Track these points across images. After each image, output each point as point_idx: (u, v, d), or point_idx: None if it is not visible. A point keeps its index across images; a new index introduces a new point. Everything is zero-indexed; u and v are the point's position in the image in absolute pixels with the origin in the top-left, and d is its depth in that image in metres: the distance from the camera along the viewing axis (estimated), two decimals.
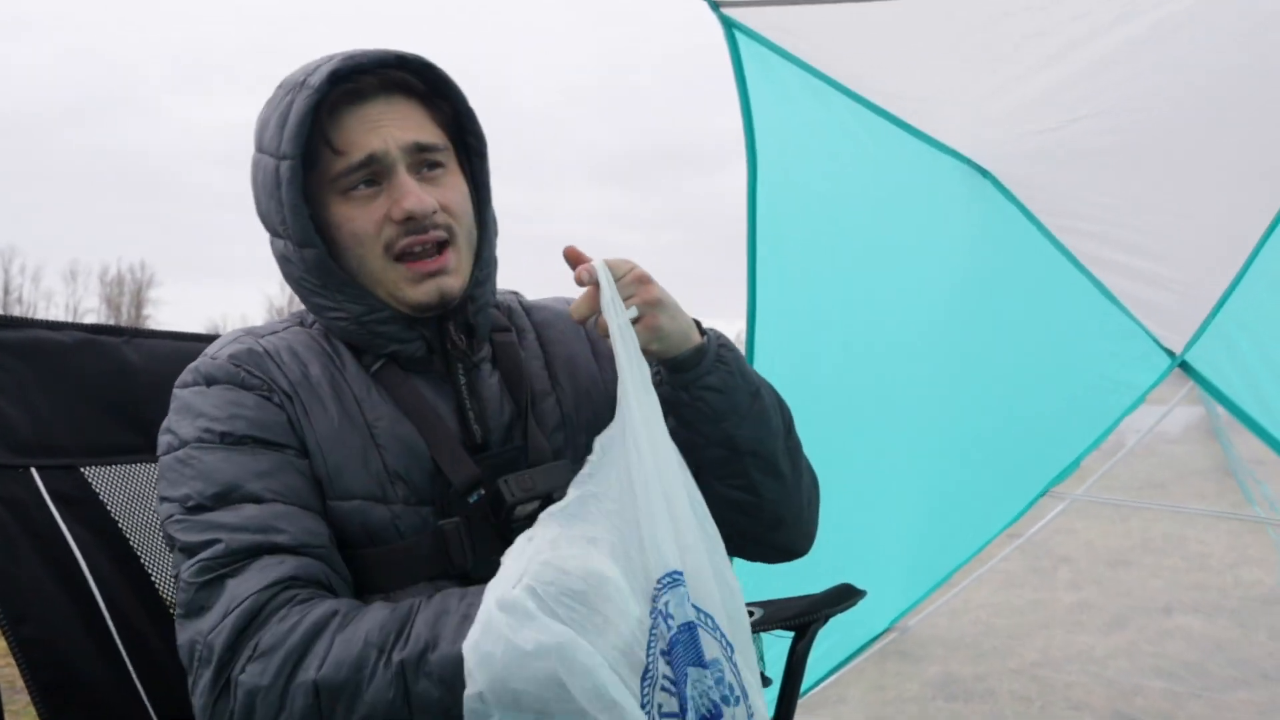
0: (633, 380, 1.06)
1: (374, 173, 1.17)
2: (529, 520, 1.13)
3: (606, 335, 1.11)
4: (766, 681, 1.43)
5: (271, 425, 1.13)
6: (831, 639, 3.34)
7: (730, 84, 2.61)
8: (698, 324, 1.25)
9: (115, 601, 1.21)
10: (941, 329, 3.14)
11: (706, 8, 2.47)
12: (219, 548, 1.04)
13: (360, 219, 1.17)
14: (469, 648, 0.90)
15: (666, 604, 0.97)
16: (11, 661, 1.13)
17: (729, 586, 1.05)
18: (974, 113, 2.84)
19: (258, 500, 1.07)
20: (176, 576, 1.07)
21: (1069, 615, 4.60)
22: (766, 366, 2.56)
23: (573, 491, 0.98)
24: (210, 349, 1.21)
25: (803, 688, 1.54)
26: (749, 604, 1.53)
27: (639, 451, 1.01)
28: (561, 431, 1.27)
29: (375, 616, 1.01)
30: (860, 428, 2.92)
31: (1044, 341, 3.29)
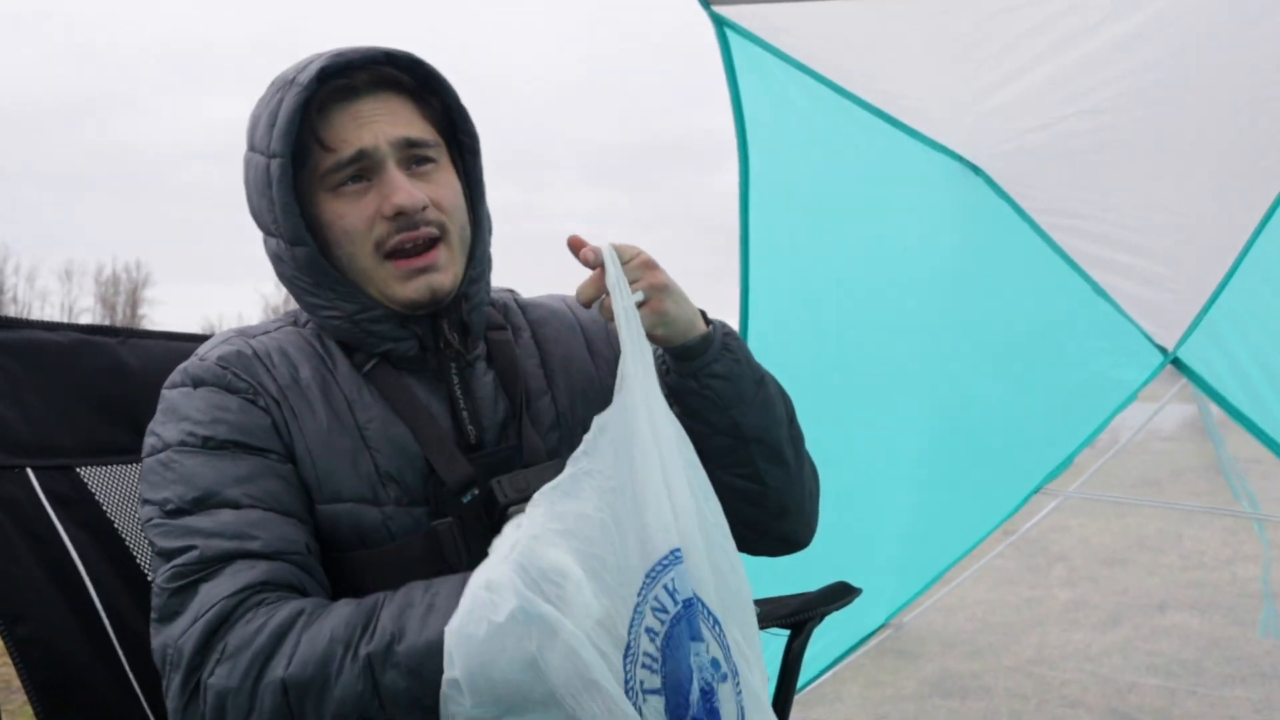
0: (635, 361, 1.06)
1: (364, 168, 1.17)
2: None
3: (612, 318, 1.10)
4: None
5: (255, 430, 1.12)
6: (827, 636, 3.34)
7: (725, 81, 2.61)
8: (703, 314, 1.25)
9: (111, 601, 1.21)
10: (934, 326, 3.15)
11: (699, 5, 2.47)
12: (193, 554, 1.04)
13: (351, 215, 1.17)
14: (451, 631, 0.90)
15: (669, 582, 0.97)
16: (8, 661, 1.13)
17: (728, 563, 1.06)
18: (966, 110, 2.84)
19: (235, 506, 1.07)
20: (154, 581, 1.07)
21: (1064, 612, 4.61)
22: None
23: (568, 469, 0.98)
24: (201, 349, 1.21)
25: (799, 685, 1.54)
26: None
27: (638, 431, 1.01)
28: (556, 431, 1.26)
29: (341, 613, 1.01)
30: (853, 425, 2.92)
31: (1036, 338, 3.30)
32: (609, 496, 0.97)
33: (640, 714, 0.93)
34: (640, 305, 1.13)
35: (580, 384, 1.31)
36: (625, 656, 0.93)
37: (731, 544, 1.08)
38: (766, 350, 2.69)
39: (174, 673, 1.01)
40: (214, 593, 1.02)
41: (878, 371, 3.05)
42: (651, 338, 1.15)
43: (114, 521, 1.27)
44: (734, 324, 2.68)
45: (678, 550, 0.99)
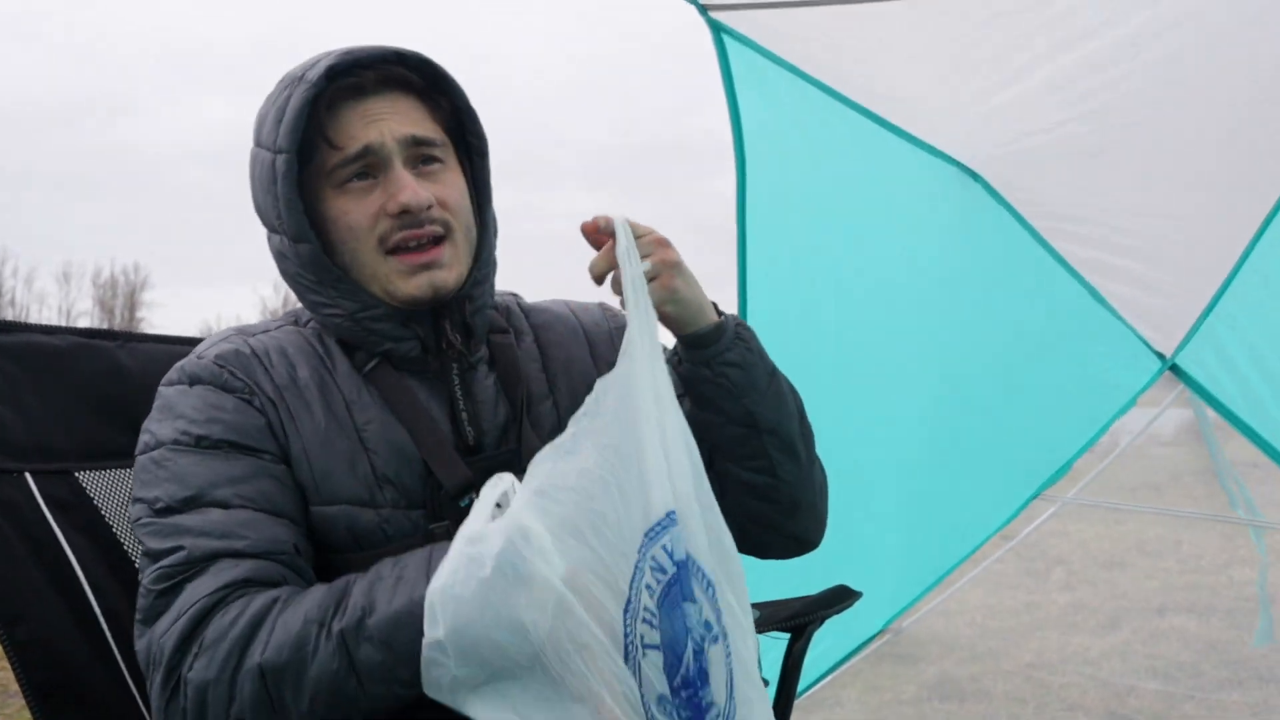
0: (640, 328, 1.06)
1: (369, 165, 1.17)
2: None
3: (620, 291, 1.10)
4: (763, 683, 1.44)
5: (249, 430, 1.12)
6: (826, 642, 3.34)
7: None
8: (715, 307, 1.25)
9: (109, 605, 1.21)
10: (932, 332, 3.15)
11: (696, 11, 2.47)
12: (180, 554, 1.04)
13: (355, 212, 1.17)
14: (435, 589, 0.90)
15: (667, 542, 0.98)
16: (6, 665, 1.12)
17: (720, 527, 1.07)
18: (963, 115, 2.85)
19: (225, 506, 1.07)
20: (140, 582, 1.06)
21: (1063, 616, 4.61)
22: None
23: (569, 428, 0.98)
24: (199, 347, 1.21)
25: (798, 690, 1.54)
26: None
27: (639, 394, 1.01)
28: (558, 435, 1.26)
29: (314, 595, 1.01)
30: (852, 430, 2.91)
31: (1034, 344, 3.30)
32: (608, 454, 0.97)
33: (639, 669, 0.94)
34: (650, 280, 1.13)
35: (582, 389, 1.30)
36: (626, 612, 0.94)
37: (717, 509, 1.09)
38: None
39: (155, 671, 1.01)
40: (197, 591, 1.02)
41: (875, 376, 3.05)
42: (662, 317, 1.16)
43: (112, 526, 1.27)
44: None
45: (673, 512, 1.00)
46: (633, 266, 1.10)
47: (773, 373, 1.27)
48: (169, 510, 1.06)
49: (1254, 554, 4.75)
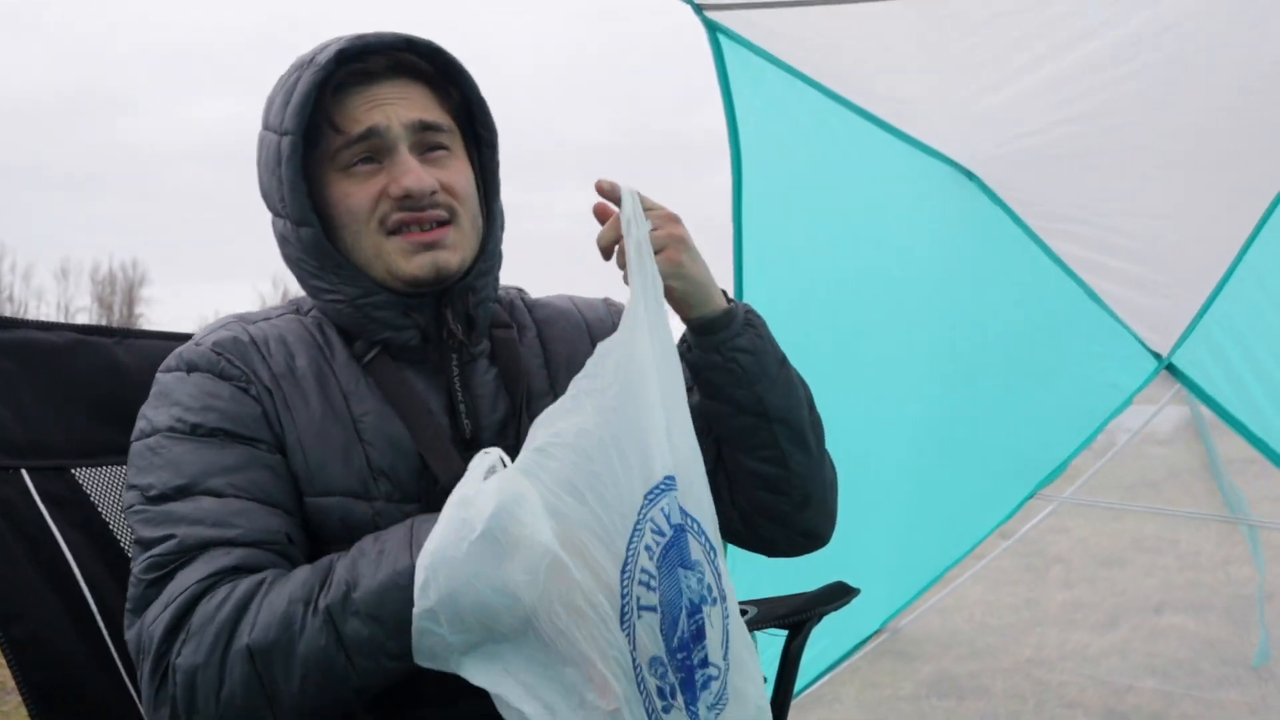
0: (642, 291, 1.05)
1: (374, 148, 1.16)
2: None
3: (625, 265, 1.09)
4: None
5: (245, 419, 1.11)
6: (823, 641, 3.34)
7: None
8: (725, 294, 1.24)
9: (106, 603, 1.20)
10: (928, 331, 3.15)
11: (692, 11, 2.47)
12: (172, 543, 1.03)
13: (357, 195, 1.16)
14: (426, 553, 0.90)
15: (665, 505, 0.98)
16: (3, 662, 1.12)
17: (711, 497, 1.07)
18: (959, 115, 2.84)
19: (218, 495, 1.06)
20: (131, 570, 1.06)
21: (1062, 614, 4.62)
22: None
23: (570, 390, 0.98)
24: (198, 334, 1.20)
25: (795, 689, 1.54)
26: (744, 602, 1.53)
27: (641, 358, 1.01)
28: None
29: (299, 576, 1.01)
30: (849, 429, 2.92)
31: (1030, 344, 3.30)
32: (609, 415, 0.96)
33: (634, 630, 0.93)
34: (656, 252, 1.12)
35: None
36: (623, 573, 0.93)
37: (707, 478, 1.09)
38: None
39: (144, 659, 1.01)
40: (187, 579, 1.01)
41: (871, 376, 3.05)
42: (668, 295, 1.15)
43: (109, 523, 1.27)
44: None
45: (671, 477, 1.00)
46: (637, 230, 1.09)
47: (783, 361, 1.26)
48: (162, 498, 1.06)
49: (1251, 554, 4.76)
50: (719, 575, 1.04)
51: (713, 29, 2.52)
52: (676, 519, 0.99)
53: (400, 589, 0.94)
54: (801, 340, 2.86)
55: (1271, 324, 3.02)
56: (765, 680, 1.45)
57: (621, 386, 0.98)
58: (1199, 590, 4.94)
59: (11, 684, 1.13)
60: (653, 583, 0.96)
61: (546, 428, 0.95)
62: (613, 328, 1.36)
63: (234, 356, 1.15)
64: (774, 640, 1.52)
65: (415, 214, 1.15)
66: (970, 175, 3.09)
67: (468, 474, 0.95)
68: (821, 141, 2.83)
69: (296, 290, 1.29)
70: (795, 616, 1.50)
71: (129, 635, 1.04)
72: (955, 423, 3.26)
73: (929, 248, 3.13)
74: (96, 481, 1.27)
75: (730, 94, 2.59)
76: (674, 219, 1.17)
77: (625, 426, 0.97)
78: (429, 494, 1.14)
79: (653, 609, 0.95)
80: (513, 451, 1.19)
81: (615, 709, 0.91)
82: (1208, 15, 2.29)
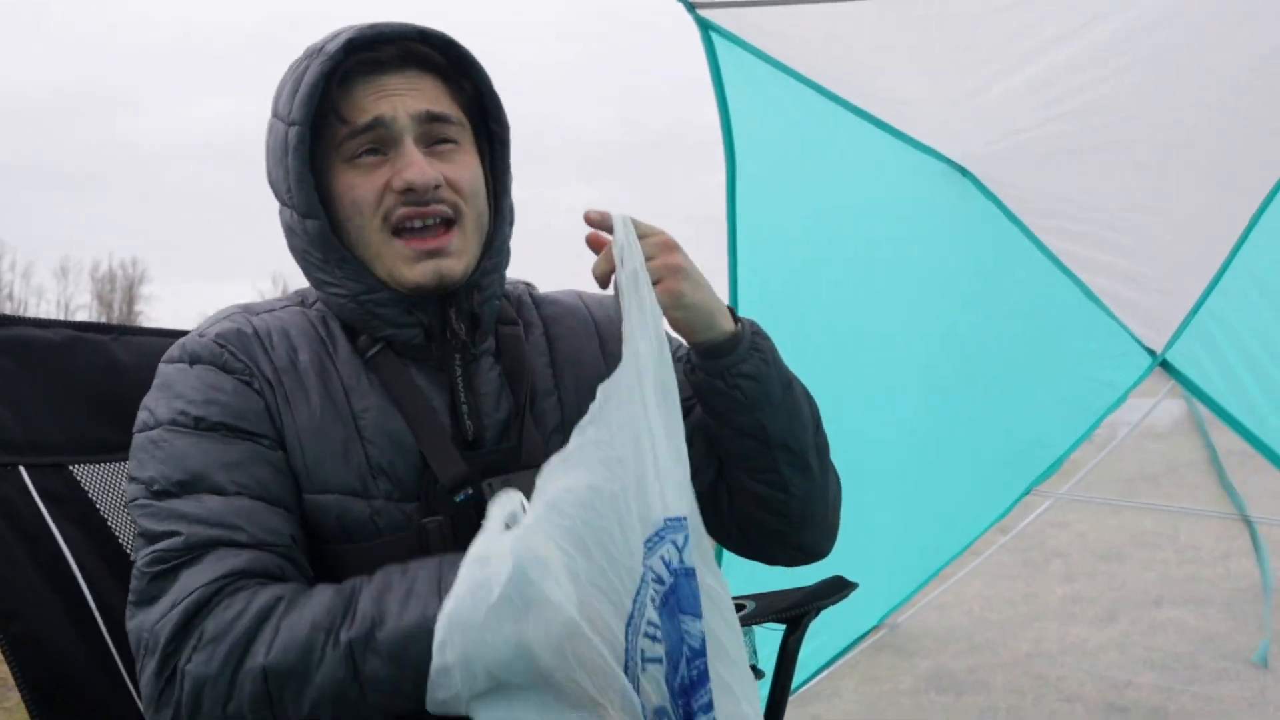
0: (640, 326, 1.02)
1: (380, 139, 1.13)
2: None
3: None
4: (759, 674, 1.44)
5: (247, 413, 1.10)
6: (821, 636, 3.35)
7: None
8: (732, 312, 1.20)
9: (105, 599, 1.20)
10: (923, 327, 3.15)
11: (684, 9, 2.47)
12: (177, 540, 1.03)
13: (361, 187, 1.13)
14: (444, 614, 0.89)
15: (664, 553, 0.97)
16: (3, 659, 1.12)
17: (704, 533, 1.06)
18: (953, 112, 2.85)
19: (221, 492, 1.05)
20: (134, 562, 1.06)
21: (1061, 608, 4.62)
22: None
23: (574, 439, 0.96)
24: (202, 324, 1.19)
25: (794, 685, 1.54)
26: (741, 597, 1.53)
27: (643, 399, 0.99)
28: (561, 434, 1.21)
29: (320, 599, 1.00)
30: (844, 425, 2.92)
31: (1025, 340, 3.30)
32: (614, 468, 0.95)
33: (638, 683, 0.93)
34: (654, 284, 1.08)
35: (590, 386, 1.23)
36: (628, 626, 0.93)
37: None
38: None
39: (149, 658, 1.00)
40: (194, 579, 1.01)
41: (866, 372, 3.06)
42: (673, 323, 1.14)
43: (107, 519, 1.27)
44: None
45: (682, 519, 0.99)
46: (632, 260, 1.05)
47: (788, 384, 1.22)
48: (165, 493, 1.05)
49: (1251, 546, 4.77)
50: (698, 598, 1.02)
51: (705, 27, 2.52)
52: (676, 564, 0.98)
53: (425, 635, 0.93)
54: (796, 337, 2.87)
55: (1265, 319, 3.02)
56: (763, 675, 1.46)
57: (625, 435, 0.97)
58: (1198, 584, 4.94)
59: (13, 681, 1.13)
60: (657, 633, 0.95)
61: (556, 481, 0.94)
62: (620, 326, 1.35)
63: (237, 349, 1.13)
64: (772, 635, 1.52)
65: (418, 209, 1.13)
66: (964, 172, 3.09)
67: (488, 521, 0.94)
68: (815, 139, 2.83)
69: (296, 287, 1.29)
70: (793, 611, 1.50)
71: (130, 625, 1.03)
72: (951, 418, 3.27)
73: (923, 244, 3.13)
74: (95, 478, 1.27)
75: (723, 92, 2.59)
76: (670, 246, 1.12)
77: (629, 477, 0.96)
78: (429, 493, 1.13)
79: (658, 660, 0.95)
80: (515, 452, 1.18)
81: None
82: (1198, 10, 2.29)
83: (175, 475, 1.06)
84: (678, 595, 0.97)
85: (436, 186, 1.13)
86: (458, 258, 1.15)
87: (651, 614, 0.94)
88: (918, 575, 3.75)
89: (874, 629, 3.87)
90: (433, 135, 1.15)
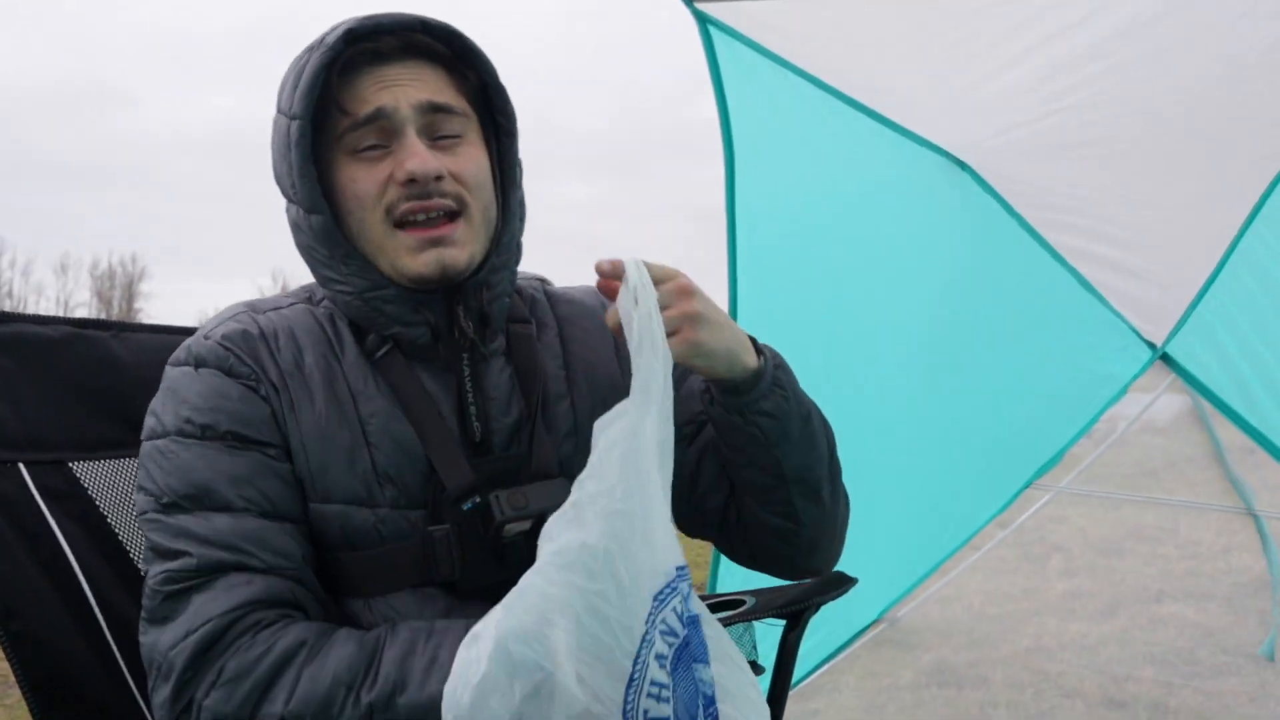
0: (649, 370, 0.98)
1: (382, 130, 1.11)
2: (520, 538, 1.11)
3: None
4: (759, 670, 1.44)
5: (254, 421, 1.09)
6: (821, 631, 3.35)
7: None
8: (753, 341, 1.16)
9: (105, 595, 1.21)
10: (923, 322, 3.15)
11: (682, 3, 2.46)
12: (187, 561, 1.02)
13: (363, 180, 1.11)
14: (445, 694, 0.88)
15: (676, 605, 0.94)
16: (3, 656, 1.12)
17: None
18: (952, 106, 2.84)
19: (229, 508, 1.04)
20: (146, 573, 1.05)
21: (1061, 603, 4.62)
22: None
23: (573, 494, 0.93)
24: (208, 324, 1.17)
25: (794, 680, 1.54)
26: (741, 593, 1.53)
27: (648, 445, 0.96)
28: (573, 439, 1.20)
29: (342, 651, 0.99)
30: (844, 421, 2.92)
31: (1025, 334, 3.30)
32: (616, 521, 0.91)
33: None
34: (671, 334, 1.03)
35: (604, 390, 1.23)
36: (628, 688, 0.89)
37: None
38: None
39: (163, 683, 1.00)
40: (207, 608, 1.00)
41: (865, 365, 3.05)
42: (693, 370, 1.10)
43: (107, 516, 1.26)
44: None
45: (684, 567, 0.96)
46: (646, 301, 1.01)
47: (806, 418, 1.18)
48: (174, 507, 1.04)
49: (1252, 539, 4.77)
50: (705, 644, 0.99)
51: (703, 21, 2.51)
52: (689, 613, 0.95)
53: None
54: (795, 331, 2.87)
55: (1266, 313, 3.01)
56: (764, 671, 1.45)
57: (628, 484, 0.92)
58: (1198, 579, 4.94)
59: (13, 678, 1.13)
60: (664, 692, 0.91)
61: (550, 542, 0.91)
62: None
63: (243, 352, 1.11)
64: (772, 630, 1.52)
65: (422, 203, 1.10)
66: (963, 165, 3.09)
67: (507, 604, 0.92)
68: (814, 133, 2.83)
69: (296, 284, 1.27)
70: (793, 606, 1.49)
71: (142, 640, 1.03)
72: (950, 412, 3.27)
73: (922, 238, 3.13)
74: (94, 475, 1.27)
75: (721, 85, 2.58)
76: (686, 291, 1.06)
77: (634, 530, 0.92)
78: (435, 500, 1.11)
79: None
80: (525, 459, 1.16)
81: None
82: (1198, 4, 2.29)
83: (183, 489, 1.05)
84: (690, 646, 0.95)
85: (439, 178, 1.10)
86: (461, 247, 1.12)
87: (657, 673, 0.90)
88: (918, 570, 3.75)
89: (874, 624, 3.87)
90: (436, 128, 1.13)
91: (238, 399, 1.09)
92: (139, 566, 1.26)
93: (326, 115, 1.12)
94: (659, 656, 0.91)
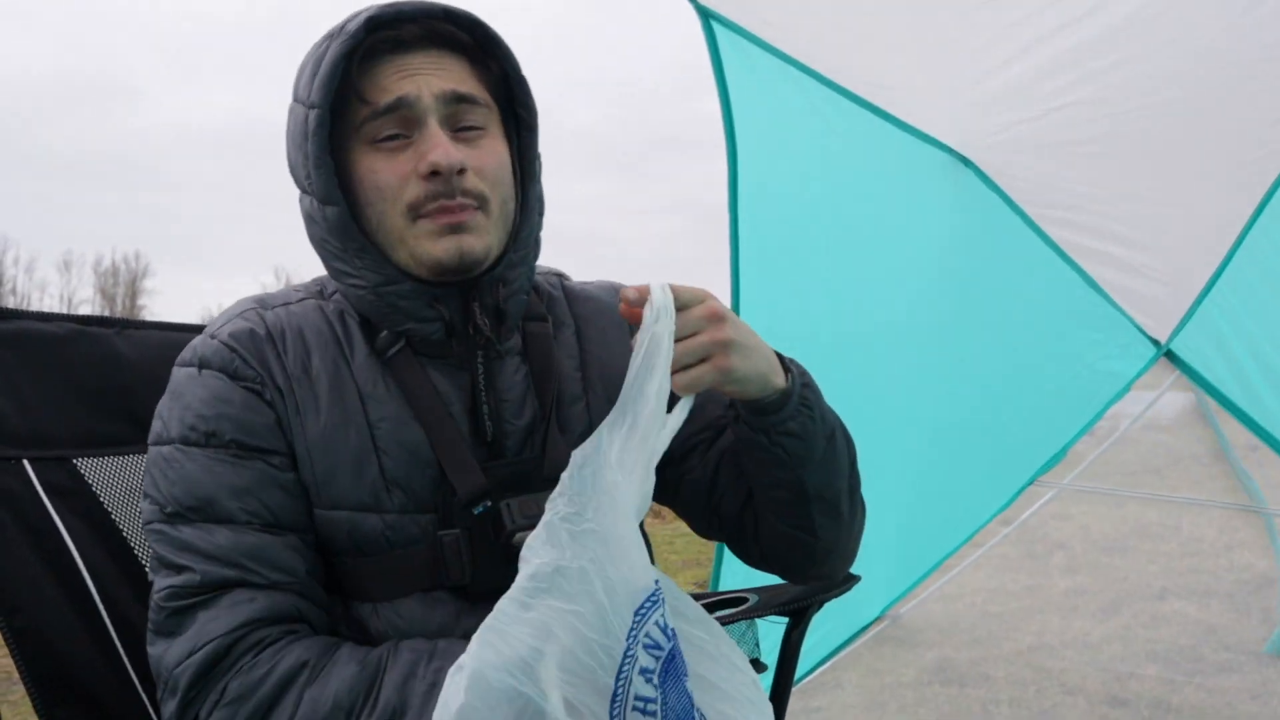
0: (641, 393, 0.97)
1: (403, 120, 1.08)
2: None
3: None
4: (761, 667, 1.44)
5: (257, 428, 1.07)
6: (824, 628, 3.36)
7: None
8: (780, 357, 1.14)
9: (109, 592, 1.21)
10: (926, 318, 3.15)
11: None
12: (191, 577, 1.02)
13: (384, 171, 1.08)
14: None
15: (658, 617, 0.93)
16: (8, 653, 1.13)
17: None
18: (955, 101, 2.84)
19: (232, 521, 1.04)
20: (152, 583, 1.05)
21: (1064, 600, 4.62)
22: None
23: (546, 514, 0.91)
24: (215, 322, 1.15)
25: (796, 677, 1.54)
26: (744, 590, 1.53)
27: (612, 462, 0.94)
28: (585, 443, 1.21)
29: (344, 673, 0.98)
30: (847, 418, 2.92)
31: (1028, 330, 3.30)
32: (587, 540, 0.89)
33: None
34: (701, 361, 1.02)
35: (619, 391, 1.25)
36: (613, 705, 0.89)
37: None
38: None
39: (169, 699, 1.00)
40: (211, 626, 1.00)
41: (868, 362, 3.05)
42: (723, 393, 1.08)
43: (111, 513, 1.26)
44: None
45: (659, 580, 0.95)
46: (663, 324, 0.98)
47: (830, 435, 1.16)
48: (178, 517, 1.04)
49: (1254, 536, 4.77)
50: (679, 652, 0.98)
51: (706, 15, 2.51)
52: (668, 626, 0.94)
53: None
54: (797, 326, 2.87)
55: (1271, 310, 3.01)
56: (766, 668, 1.46)
57: (599, 502, 0.91)
58: (1201, 576, 4.94)
59: (18, 674, 1.13)
60: (650, 706, 0.90)
61: (527, 565, 0.89)
62: None
63: (248, 353, 1.09)
64: (774, 628, 1.52)
65: (445, 202, 1.07)
66: (966, 162, 3.08)
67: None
68: (817, 129, 2.82)
69: (297, 283, 1.26)
70: (796, 604, 1.50)
71: (150, 652, 1.03)
72: (953, 409, 3.26)
73: (925, 233, 3.12)
74: (99, 471, 1.27)
75: (724, 80, 2.58)
76: (717, 316, 1.03)
77: (608, 548, 0.90)
78: (445, 505, 1.09)
79: None
80: (538, 463, 1.13)
81: None
82: (1200, 1, 2.28)
83: (186, 500, 1.04)
84: (679, 656, 0.94)
85: (461, 171, 1.07)
86: (479, 235, 1.09)
87: (642, 688, 0.90)
88: (920, 567, 3.75)
89: (876, 621, 3.88)
90: (458, 119, 1.10)
91: (241, 404, 1.07)
92: (143, 563, 1.27)
93: (345, 105, 1.09)
94: (644, 671, 0.90)
